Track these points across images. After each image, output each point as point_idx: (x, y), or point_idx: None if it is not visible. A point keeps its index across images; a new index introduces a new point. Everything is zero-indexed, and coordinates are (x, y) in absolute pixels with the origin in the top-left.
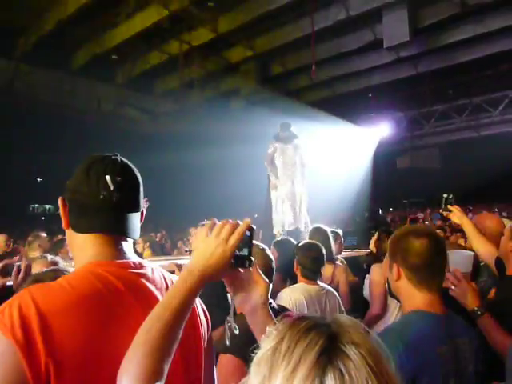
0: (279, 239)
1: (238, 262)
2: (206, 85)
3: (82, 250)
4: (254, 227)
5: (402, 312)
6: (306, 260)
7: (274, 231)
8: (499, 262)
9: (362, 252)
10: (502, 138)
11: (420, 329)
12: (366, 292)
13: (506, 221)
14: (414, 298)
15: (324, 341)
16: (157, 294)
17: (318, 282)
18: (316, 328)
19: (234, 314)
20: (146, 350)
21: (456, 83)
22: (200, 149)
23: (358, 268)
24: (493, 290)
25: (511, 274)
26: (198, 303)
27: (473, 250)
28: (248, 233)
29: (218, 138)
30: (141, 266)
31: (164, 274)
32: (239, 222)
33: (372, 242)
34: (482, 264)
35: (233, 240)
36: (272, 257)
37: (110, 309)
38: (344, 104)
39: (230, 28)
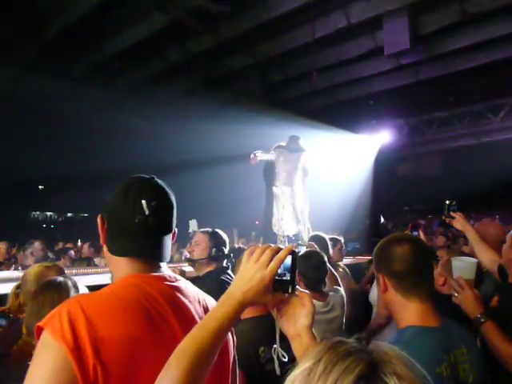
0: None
1: (279, 287)
2: (207, 92)
3: (118, 267)
4: (297, 250)
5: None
6: (307, 269)
7: (275, 232)
8: (502, 270)
9: (364, 259)
10: (502, 145)
11: (417, 350)
12: (372, 296)
13: None
14: (406, 310)
15: (363, 367)
16: (190, 306)
17: (325, 289)
18: (356, 353)
19: (281, 339)
20: (180, 371)
21: (457, 90)
22: (201, 155)
23: (360, 275)
24: (495, 298)
25: None
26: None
27: (475, 257)
28: (290, 258)
29: (219, 144)
30: (175, 280)
31: (195, 289)
32: (281, 246)
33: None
34: (484, 271)
35: (272, 265)
36: None
37: (150, 316)
38: (345, 111)
39: (231, 36)
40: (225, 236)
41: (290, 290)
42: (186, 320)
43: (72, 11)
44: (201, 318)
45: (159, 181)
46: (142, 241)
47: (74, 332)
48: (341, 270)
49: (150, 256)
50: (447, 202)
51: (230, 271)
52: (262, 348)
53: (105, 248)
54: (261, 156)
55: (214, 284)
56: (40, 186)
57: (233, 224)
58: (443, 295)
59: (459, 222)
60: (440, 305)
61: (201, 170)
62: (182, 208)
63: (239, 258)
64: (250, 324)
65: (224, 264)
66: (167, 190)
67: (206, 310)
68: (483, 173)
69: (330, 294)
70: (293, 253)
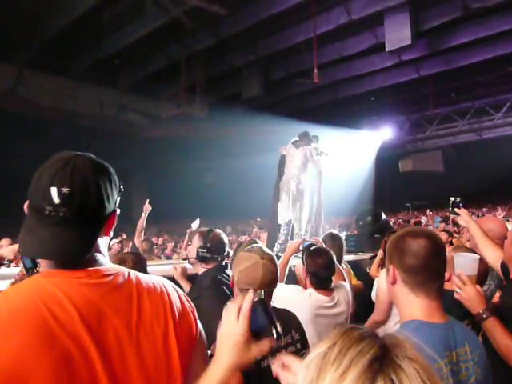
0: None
1: (262, 334)
2: (208, 89)
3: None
4: (262, 296)
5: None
6: (316, 269)
7: (278, 224)
8: (504, 266)
9: (365, 256)
10: (504, 140)
11: (417, 344)
12: (373, 295)
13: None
14: (412, 305)
15: (377, 349)
16: (111, 310)
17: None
18: (369, 338)
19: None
20: None
21: (458, 86)
22: (202, 152)
23: (361, 272)
24: (497, 294)
25: None
26: (190, 311)
27: (478, 253)
28: (259, 304)
29: (220, 141)
30: (100, 276)
31: (143, 282)
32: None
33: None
34: (490, 268)
35: (241, 325)
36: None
37: (48, 330)
38: (346, 107)
39: (233, 32)
40: (220, 236)
41: (274, 334)
42: (104, 331)
43: (72, 9)
44: (140, 316)
45: (85, 158)
46: (49, 238)
47: None
48: (343, 266)
49: (64, 258)
50: (452, 199)
51: (228, 270)
52: None
53: None
54: (282, 151)
55: (210, 283)
56: None
57: (234, 219)
58: (447, 291)
59: (463, 218)
60: (443, 300)
61: (203, 167)
62: (187, 206)
63: (236, 256)
64: None
65: (223, 263)
66: (93, 169)
67: (160, 303)
68: (485, 168)
69: (336, 289)
70: (260, 301)
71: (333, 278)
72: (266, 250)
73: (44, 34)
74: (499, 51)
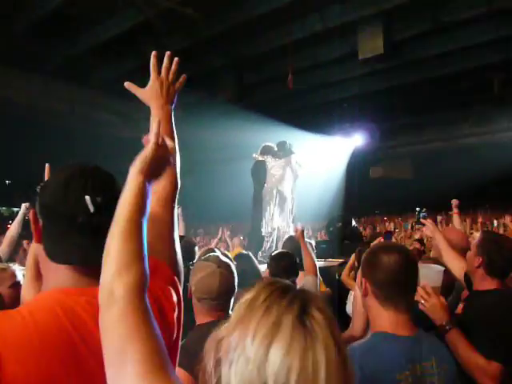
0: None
1: None
2: (182, 91)
3: (53, 272)
4: None
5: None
6: (278, 270)
7: (263, 233)
8: (468, 277)
9: (335, 262)
10: (472, 150)
11: (380, 354)
12: (348, 308)
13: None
14: (380, 317)
15: (300, 302)
16: None
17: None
18: (291, 291)
19: None
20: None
21: (429, 96)
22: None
23: (331, 278)
24: (460, 306)
25: (477, 290)
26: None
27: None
28: None
29: (194, 144)
30: None
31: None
32: None
33: (354, 256)
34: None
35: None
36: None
37: (74, 350)
38: (319, 114)
39: (207, 35)
40: (190, 244)
41: None
42: None
43: (44, 4)
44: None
45: (104, 170)
46: (85, 245)
47: None
48: None
49: (96, 264)
50: (417, 209)
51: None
52: None
53: (38, 248)
54: (257, 158)
55: None
56: (7, 181)
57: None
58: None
59: (429, 228)
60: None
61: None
62: None
63: (193, 266)
64: (203, 330)
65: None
66: (113, 180)
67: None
68: (453, 177)
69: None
70: None
71: (303, 273)
72: (223, 258)
73: (14, 30)
74: (470, 63)
